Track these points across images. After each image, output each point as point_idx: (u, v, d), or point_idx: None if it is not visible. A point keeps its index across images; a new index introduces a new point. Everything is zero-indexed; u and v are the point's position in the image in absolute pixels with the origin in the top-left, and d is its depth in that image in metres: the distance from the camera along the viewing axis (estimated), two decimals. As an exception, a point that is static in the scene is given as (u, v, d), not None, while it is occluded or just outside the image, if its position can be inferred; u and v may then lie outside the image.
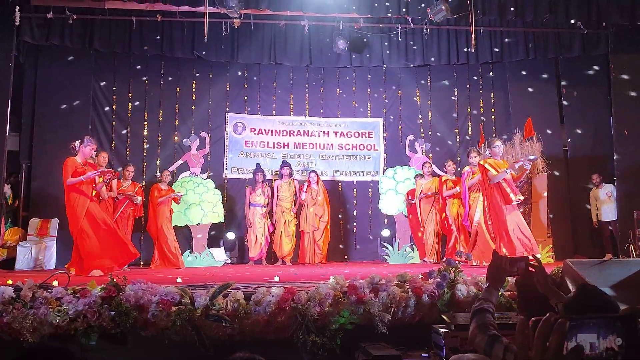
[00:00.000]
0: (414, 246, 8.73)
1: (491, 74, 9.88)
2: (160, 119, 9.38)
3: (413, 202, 8.59)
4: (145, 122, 9.32)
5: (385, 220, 9.49)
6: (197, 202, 8.66)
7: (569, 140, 9.32)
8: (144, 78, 9.34)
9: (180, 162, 9.22)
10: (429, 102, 9.94)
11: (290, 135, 9.71)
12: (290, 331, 3.58)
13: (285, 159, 9.18)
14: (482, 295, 2.13)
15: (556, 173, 8.85)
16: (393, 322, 3.72)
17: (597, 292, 1.75)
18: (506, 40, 9.03)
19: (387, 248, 8.76)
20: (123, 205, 7.82)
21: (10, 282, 4.06)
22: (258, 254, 8.55)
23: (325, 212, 8.81)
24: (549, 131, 9.05)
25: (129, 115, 9.28)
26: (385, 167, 9.67)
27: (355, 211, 9.76)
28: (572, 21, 8.27)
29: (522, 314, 2.32)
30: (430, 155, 9.63)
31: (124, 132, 9.21)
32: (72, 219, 6.09)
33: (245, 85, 9.69)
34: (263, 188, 8.66)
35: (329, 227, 8.91)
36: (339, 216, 9.57)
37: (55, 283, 3.98)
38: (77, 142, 6.25)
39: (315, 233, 8.74)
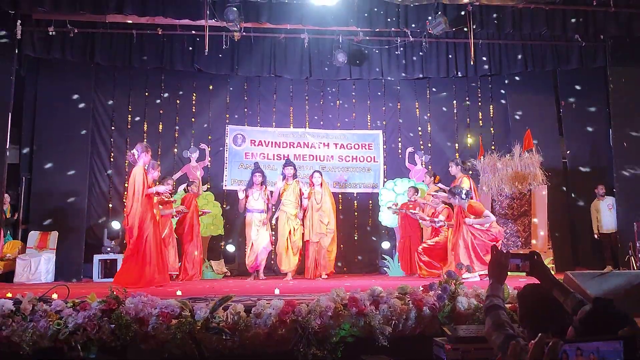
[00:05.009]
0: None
1: (490, 86, 9.95)
2: (160, 131, 9.41)
3: (398, 210, 8.58)
4: (145, 134, 9.34)
5: (386, 233, 9.47)
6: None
7: (568, 152, 9.34)
8: (144, 90, 9.39)
9: (179, 174, 9.20)
10: (428, 114, 9.98)
11: (290, 147, 9.72)
12: (290, 344, 3.57)
13: (288, 158, 8.68)
14: (489, 291, 2.12)
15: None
16: (394, 335, 3.71)
17: (612, 305, 1.74)
18: (504, 53, 9.08)
19: (387, 260, 8.73)
20: None
21: (9, 295, 4.05)
22: (256, 264, 7.76)
23: (332, 219, 7.98)
24: (547, 143, 9.07)
25: (129, 127, 9.31)
26: (385, 179, 9.68)
27: (355, 223, 9.75)
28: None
29: (524, 327, 2.31)
30: (430, 167, 9.64)
31: (123, 144, 9.23)
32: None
33: (245, 98, 9.73)
34: (262, 190, 7.85)
35: (336, 234, 8.15)
36: (339, 228, 9.52)
37: (54, 296, 3.96)
38: (135, 151, 6.33)
39: (323, 241, 7.89)
